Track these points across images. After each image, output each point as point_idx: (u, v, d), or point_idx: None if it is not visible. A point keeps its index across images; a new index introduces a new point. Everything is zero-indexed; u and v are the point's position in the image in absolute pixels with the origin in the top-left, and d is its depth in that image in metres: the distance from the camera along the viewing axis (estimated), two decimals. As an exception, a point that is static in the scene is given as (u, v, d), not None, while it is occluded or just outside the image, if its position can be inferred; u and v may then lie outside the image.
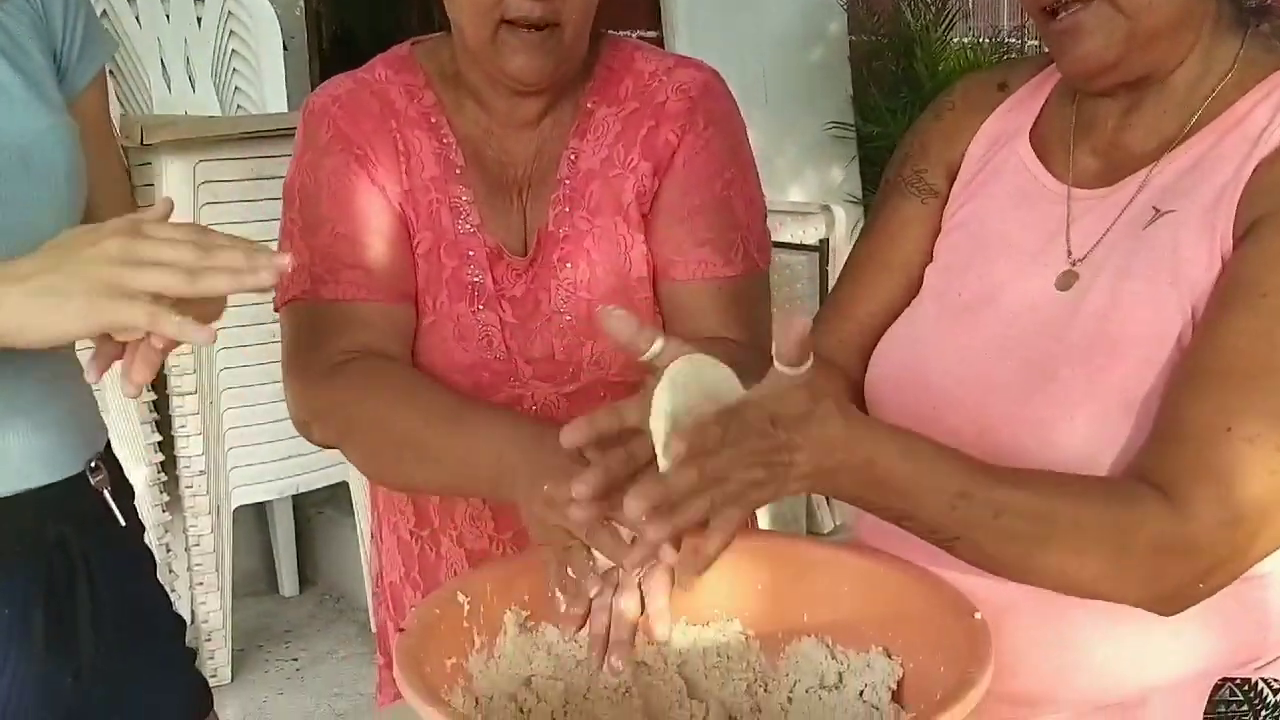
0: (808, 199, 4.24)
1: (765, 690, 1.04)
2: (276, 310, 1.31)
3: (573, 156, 1.29)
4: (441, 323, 1.29)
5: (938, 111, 1.22)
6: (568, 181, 1.29)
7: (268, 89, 3.27)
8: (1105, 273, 1.04)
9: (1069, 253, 1.07)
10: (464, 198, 1.29)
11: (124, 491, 1.28)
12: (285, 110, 3.19)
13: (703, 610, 1.07)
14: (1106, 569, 0.93)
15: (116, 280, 0.90)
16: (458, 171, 1.29)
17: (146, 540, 1.33)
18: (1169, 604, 0.95)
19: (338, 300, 1.25)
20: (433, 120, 1.30)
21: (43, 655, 1.17)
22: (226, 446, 3.00)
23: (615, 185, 1.28)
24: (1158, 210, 1.03)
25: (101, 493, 1.23)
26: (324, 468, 3.11)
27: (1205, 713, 1.04)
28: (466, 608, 0.99)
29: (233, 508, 3.06)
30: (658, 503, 0.81)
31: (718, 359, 0.91)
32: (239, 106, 3.25)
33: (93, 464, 1.23)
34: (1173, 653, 1.02)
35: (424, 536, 1.39)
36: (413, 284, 1.29)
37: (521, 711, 0.98)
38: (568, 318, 1.29)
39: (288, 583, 3.51)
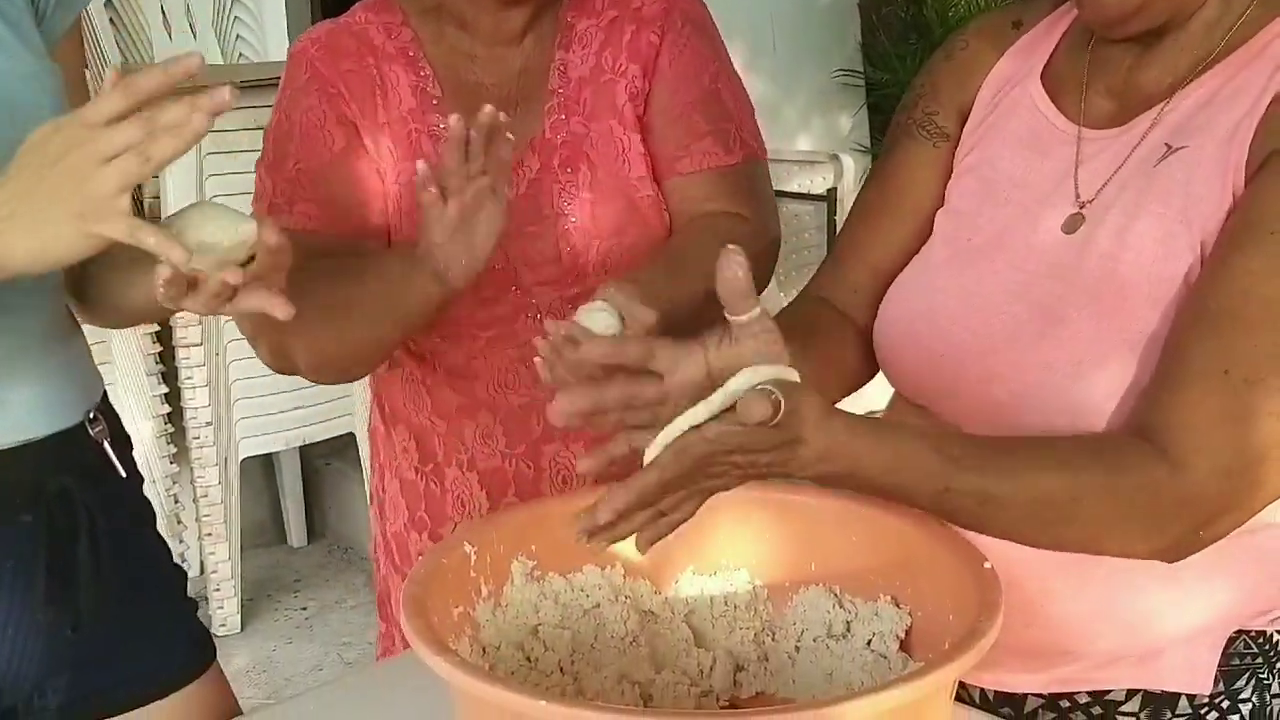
0: (815, 148, 4.19)
1: (772, 639, 1.04)
2: None
3: (561, 67, 1.34)
4: None
5: (949, 51, 1.20)
6: (560, 91, 1.33)
7: (269, 37, 3.25)
8: (1113, 213, 1.02)
9: (1076, 195, 1.06)
10: (442, 126, 1.31)
11: (123, 442, 1.27)
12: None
13: (710, 560, 1.06)
14: (1105, 532, 0.92)
15: (91, 193, 0.89)
16: (434, 102, 1.33)
17: (151, 492, 1.33)
18: (1171, 554, 0.94)
19: (290, 229, 1.25)
20: (410, 54, 1.34)
21: (44, 607, 1.17)
22: (233, 398, 3.00)
23: (608, 89, 1.33)
24: (1170, 146, 1.01)
25: (101, 444, 1.23)
26: (330, 419, 3.11)
27: (1220, 664, 1.03)
28: (473, 557, 0.98)
29: (240, 459, 3.07)
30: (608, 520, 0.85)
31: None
32: (241, 55, 3.23)
33: (91, 415, 1.22)
34: (1188, 605, 1.01)
35: (427, 472, 1.40)
36: (381, 217, 1.32)
37: (529, 660, 0.98)
38: (573, 219, 1.32)
39: (296, 533, 3.53)
